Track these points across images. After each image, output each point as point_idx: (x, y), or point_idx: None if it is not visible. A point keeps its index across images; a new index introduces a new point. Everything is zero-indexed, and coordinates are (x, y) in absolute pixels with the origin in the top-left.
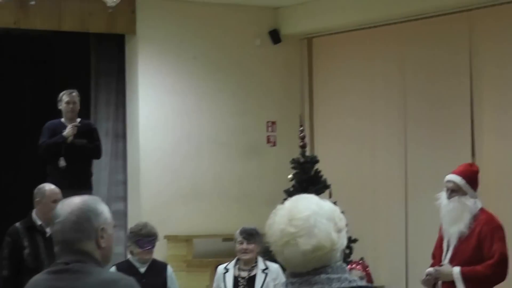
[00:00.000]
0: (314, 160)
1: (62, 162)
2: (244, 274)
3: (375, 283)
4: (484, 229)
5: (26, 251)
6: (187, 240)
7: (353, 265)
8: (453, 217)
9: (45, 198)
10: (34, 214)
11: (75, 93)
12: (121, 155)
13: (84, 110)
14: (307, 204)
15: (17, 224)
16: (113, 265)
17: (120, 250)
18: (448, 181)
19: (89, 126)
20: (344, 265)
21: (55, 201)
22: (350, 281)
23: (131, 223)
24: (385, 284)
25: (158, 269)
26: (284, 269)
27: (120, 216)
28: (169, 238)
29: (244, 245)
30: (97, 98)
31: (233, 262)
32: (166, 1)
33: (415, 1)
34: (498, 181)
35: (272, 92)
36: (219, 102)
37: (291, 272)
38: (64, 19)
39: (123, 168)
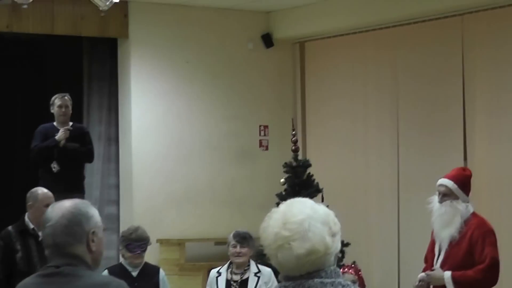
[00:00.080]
0: (306, 164)
1: (55, 166)
2: (237, 277)
3: (368, 287)
4: (475, 233)
5: (19, 254)
6: (180, 243)
7: (346, 269)
8: (444, 221)
9: (37, 202)
10: (26, 218)
11: (67, 97)
12: (114, 159)
13: (77, 114)
14: (301, 208)
15: (10, 228)
16: (105, 269)
17: (113, 253)
18: (440, 185)
19: (81, 129)
20: (338, 269)
21: (48, 205)
22: (343, 286)
23: (124, 227)
24: None
25: (150, 273)
26: (278, 272)
27: (113, 219)
28: (161, 241)
29: (237, 249)
30: (89, 101)
31: (226, 265)
32: (159, 5)
33: (407, 5)
34: (490, 185)
35: (265, 96)
36: (212, 106)
37: (285, 276)
38: (57, 22)
39: (116, 171)
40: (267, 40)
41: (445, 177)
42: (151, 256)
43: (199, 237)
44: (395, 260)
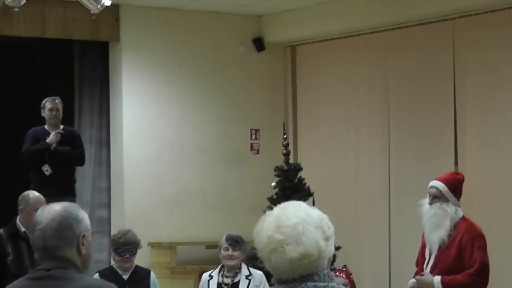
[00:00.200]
0: (297, 168)
1: (47, 169)
2: (228, 280)
3: None
4: (465, 237)
5: (10, 257)
6: (171, 247)
7: (337, 273)
8: (434, 223)
9: (28, 206)
10: (18, 221)
11: (58, 100)
12: (105, 162)
13: (68, 117)
14: (295, 211)
15: (1, 231)
16: (96, 272)
17: (104, 257)
18: (431, 187)
19: (72, 133)
20: (331, 273)
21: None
22: None
23: (115, 230)
24: None
25: (141, 276)
26: (271, 275)
27: (104, 223)
28: (152, 245)
29: (230, 252)
30: (80, 105)
31: (218, 269)
32: (150, 8)
33: (398, 10)
34: (481, 189)
35: (256, 100)
36: (203, 109)
37: (278, 279)
38: (48, 26)
39: (107, 175)
40: (259, 44)
41: (436, 179)
42: (142, 259)
43: (190, 240)
44: (386, 264)
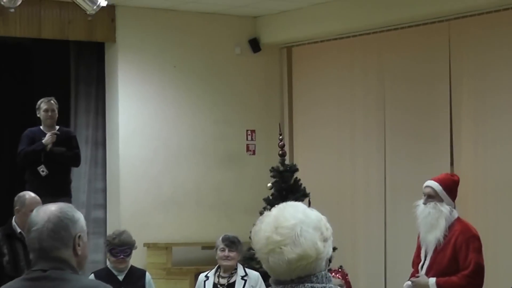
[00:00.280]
0: (293, 169)
1: (43, 170)
2: (224, 281)
3: None
4: (459, 239)
5: (6, 258)
6: (167, 247)
7: (333, 274)
8: (429, 223)
9: (24, 207)
10: (14, 222)
11: (53, 101)
12: (101, 163)
13: (64, 118)
14: (293, 212)
15: None
16: (91, 273)
17: (100, 257)
18: (426, 186)
19: (68, 133)
20: (329, 274)
21: None
22: None
23: (110, 231)
24: None
25: (136, 276)
26: (269, 276)
27: (100, 223)
28: (148, 245)
29: (226, 252)
30: (76, 105)
31: (214, 270)
32: (146, 9)
33: (394, 11)
34: (476, 190)
35: (252, 101)
36: (199, 110)
37: (275, 280)
38: (44, 26)
39: (103, 175)
40: (254, 45)
41: (431, 179)
42: (138, 260)
43: (186, 241)
44: (381, 264)
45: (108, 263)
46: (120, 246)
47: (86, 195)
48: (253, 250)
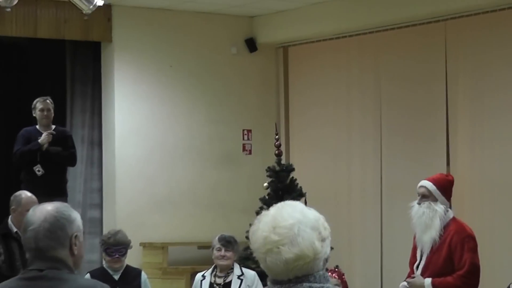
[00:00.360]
0: (289, 169)
1: (39, 169)
2: (220, 280)
3: None
4: (454, 239)
5: (1, 258)
6: (162, 247)
7: (329, 273)
8: (424, 222)
9: (20, 207)
10: (9, 221)
11: (49, 100)
12: (97, 163)
13: (60, 117)
14: (291, 212)
15: None
16: (87, 272)
17: (95, 257)
18: (420, 186)
19: (64, 133)
20: (327, 274)
21: None
22: None
23: (106, 230)
24: None
25: (132, 276)
26: (266, 276)
27: (96, 223)
28: (144, 245)
29: (222, 252)
30: (72, 105)
31: (210, 269)
32: (142, 9)
33: (390, 11)
34: (472, 190)
35: (248, 101)
36: (195, 110)
37: (273, 279)
38: (40, 26)
39: (99, 175)
40: (251, 44)
41: (426, 179)
42: (134, 259)
43: (182, 240)
44: (378, 264)
45: (103, 262)
46: (115, 246)
47: (82, 195)
48: (250, 250)
